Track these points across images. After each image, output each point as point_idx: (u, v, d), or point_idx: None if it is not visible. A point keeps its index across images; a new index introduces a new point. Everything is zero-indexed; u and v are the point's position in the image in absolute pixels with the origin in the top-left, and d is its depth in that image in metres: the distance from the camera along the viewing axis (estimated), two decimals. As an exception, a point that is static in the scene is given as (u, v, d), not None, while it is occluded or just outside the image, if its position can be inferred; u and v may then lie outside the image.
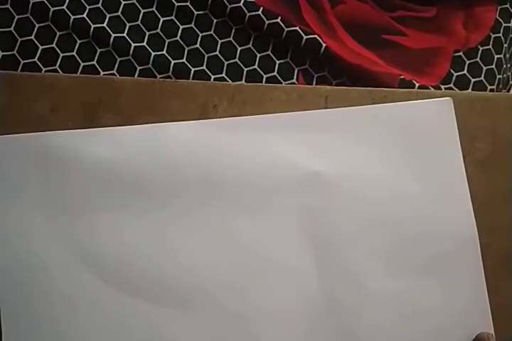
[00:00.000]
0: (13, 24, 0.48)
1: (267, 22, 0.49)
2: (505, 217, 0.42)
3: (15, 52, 0.48)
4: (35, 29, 0.48)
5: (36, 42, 0.48)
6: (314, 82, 0.49)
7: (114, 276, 0.39)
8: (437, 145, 0.42)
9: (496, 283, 0.41)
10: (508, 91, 0.55)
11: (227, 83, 0.46)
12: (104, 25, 0.48)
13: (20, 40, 0.48)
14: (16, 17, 0.48)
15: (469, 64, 0.52)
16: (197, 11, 0.50)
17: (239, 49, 0.50)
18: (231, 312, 0.39)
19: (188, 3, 0.50)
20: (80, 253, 0.39)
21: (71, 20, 0.48)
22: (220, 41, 0.50)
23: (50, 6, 0.48)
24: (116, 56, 0.48)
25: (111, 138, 0.40)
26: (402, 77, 0.49)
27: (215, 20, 0.50)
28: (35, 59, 0.48)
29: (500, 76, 0.53)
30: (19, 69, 0.47)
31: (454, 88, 0.50)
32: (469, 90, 0.50)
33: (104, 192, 0.39)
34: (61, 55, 0.48)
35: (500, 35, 0.53)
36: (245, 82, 0.49)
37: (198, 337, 0.39)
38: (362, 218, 0.41)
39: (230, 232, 0.40)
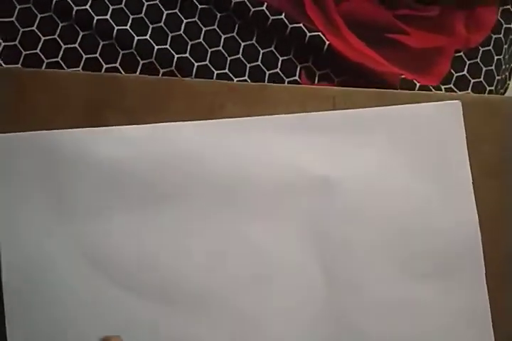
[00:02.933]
0: (15, 14, 0.48)
1: (271, 18, 0.49)
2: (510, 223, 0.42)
3: (17, 42, 0.47)
4: (37, 19, 0.48)
5: (38, 33, 0.47)
6: (316, 80, 0.50)
7: (126, 277, 0.39)
8: (444, 149, 0.42)
9: (497, 289, 0.41)
10: (505, 91, 0.56)
11: (234, 83, 0.46)
12: (108, 17, 0.48)
13: (21, 30, 0.47)
14: (18, 7, 0.48)
15: (469, 64, 0.52)
16: (201, 4, 0.50)
17: (242, 44, 0.50)
18: (244, 314, 0.40)
19: None
20: (91, 254, 0.39)
21: (74, 11, 0.47)
22: (223, 36, 0.50)
23: None
24: (119, 49, 0.48)
25: (120, 138, 0.39)
26: (403, 76, 0.50)
27: (218, 15, 0.50)
28: (37, 50, 0.47)
29: (499, 77, 0.53)
30: (21, 61, 0.47)
31: (454, 88, 0.51)
32: (474, 93, 0.51)
33: (115, 192, 0.39)
34: (63, 46, 0.47)
35: (501, 36, 0.54)
36: (248, 78, 0.49)
37: (211, 339, 0.39)
38: (369, 222, 0.41)
39: (240, 234, 0.40)
